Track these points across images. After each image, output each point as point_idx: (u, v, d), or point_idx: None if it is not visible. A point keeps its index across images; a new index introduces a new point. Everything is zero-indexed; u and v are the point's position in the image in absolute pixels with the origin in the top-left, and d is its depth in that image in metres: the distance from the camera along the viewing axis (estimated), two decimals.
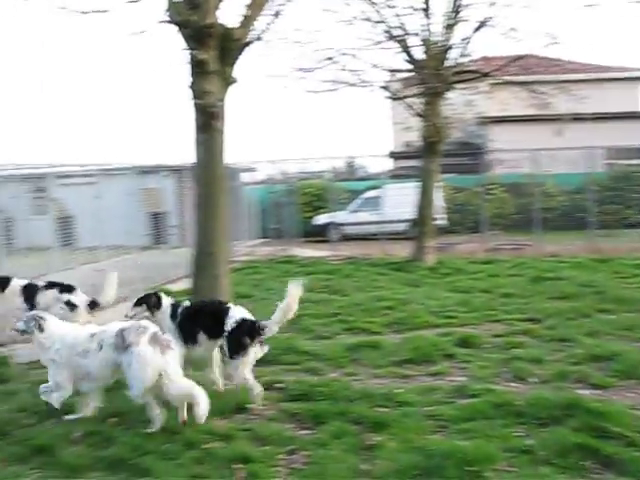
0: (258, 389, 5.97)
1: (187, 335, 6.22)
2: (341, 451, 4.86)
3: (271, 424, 5.44)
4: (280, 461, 4.81)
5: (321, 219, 22.16)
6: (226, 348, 5.99)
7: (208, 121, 7.58)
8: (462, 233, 19.95)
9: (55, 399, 5.61)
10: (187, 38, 7.69)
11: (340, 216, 21.51)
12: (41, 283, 8.45)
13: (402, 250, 16.47)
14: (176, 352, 5.50)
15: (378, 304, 10.33)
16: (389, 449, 4.87)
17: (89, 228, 13.41)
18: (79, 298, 7.95)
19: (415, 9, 13.98)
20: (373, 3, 14.07)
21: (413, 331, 8.63)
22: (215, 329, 6.09)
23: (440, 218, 18.23)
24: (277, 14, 8.55)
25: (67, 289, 8.14)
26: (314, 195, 22.87)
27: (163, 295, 6.67)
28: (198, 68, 7.66)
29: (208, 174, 7.69)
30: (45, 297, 8.22)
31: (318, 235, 21.38)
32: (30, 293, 8.16)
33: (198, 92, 7.65)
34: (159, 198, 15.68)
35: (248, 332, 5.93)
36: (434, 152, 14.90)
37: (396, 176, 23.23)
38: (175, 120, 66.86)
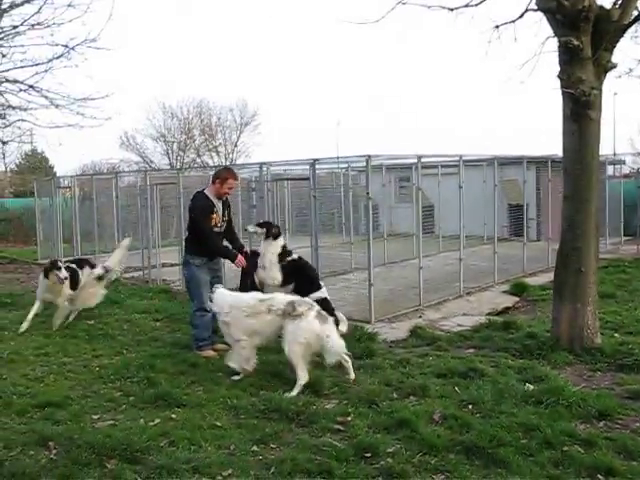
0: None
1: (286, 278, 8.18)
2: None
3: (638, 438, 5.01)
4: None
5: None
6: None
7: (581, 110, 7.18)
8: None
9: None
10: (557, 24, 7.38)
11: None
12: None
13: None
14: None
15: None
16: None
17: (449, 217, 13.82)
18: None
19: None
20: None
21: None
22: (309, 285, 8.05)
23: None
24: None
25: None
26: None
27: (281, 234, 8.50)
28: (569, 55, 7.30)
29: (579, 165, 7.30)
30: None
31: None
32: None
33: (569, 80, 7.29)
34: (519, 190, 15.45)
35: None
36: None
37: None
38: (533, 111, 65.09)
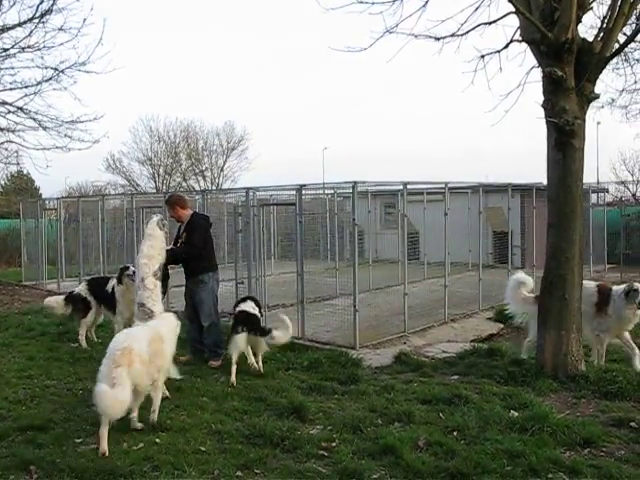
0: None
1: None
2: None
3: (623, 466, 4.99)
4: None
5: None
6: None
7: (565, 139, 7.30)
8: None
9: None
10: (541, 55, 7.53)
11: None
12: None
13: None
14: None
15: None
16: None
17: (434, 244, 13.88)
18: None
19: None
20: None
21: None
22: None
23: None
24: None
25: None
26: None
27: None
28: (553, 85, 7.43)
29: (563, 194, 7.40)
30: None
31: None
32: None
33: (553, 110, 7.42)
34: (504, 217, 15.59)
35: None
36: None
37: None
38: (516, 139, 65.90)
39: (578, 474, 4.86)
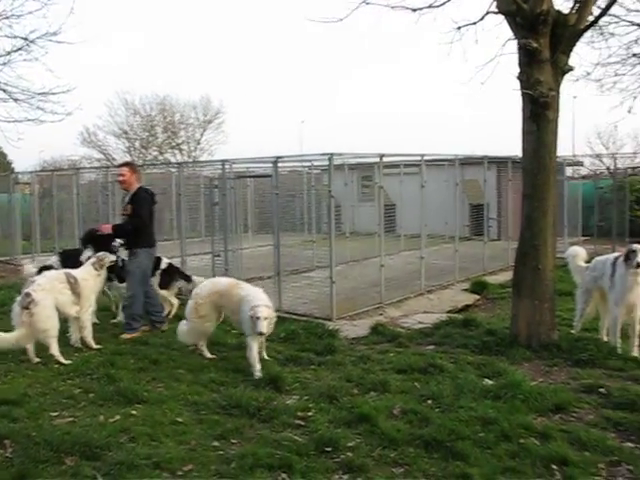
0: None
1: None
2: None
3: (591, 430, 5.15)
4: (600, 470, 4.54)
5: None
6: None
7: (539, 111, 7.34)
8: None
9: None
10: (516, 27, 7.53)
11: None
12: None
13: None
14: None
15: None
16: None
17: (410, 216, 13.94)
18: None
19: None
20: None
21: None
22: None
23: None
24: None
25: None
26: None
27: None
28: (528, 57, 7.45)
29: (537, 165, 7.46)
30: None
31: None
32: None
33: (528, 82, 7.44)
34: (480, 190, 15.67)
35: None
36: None
37: None
38: (491, 112, 66.01)
39: (549, 438, 4.97)
